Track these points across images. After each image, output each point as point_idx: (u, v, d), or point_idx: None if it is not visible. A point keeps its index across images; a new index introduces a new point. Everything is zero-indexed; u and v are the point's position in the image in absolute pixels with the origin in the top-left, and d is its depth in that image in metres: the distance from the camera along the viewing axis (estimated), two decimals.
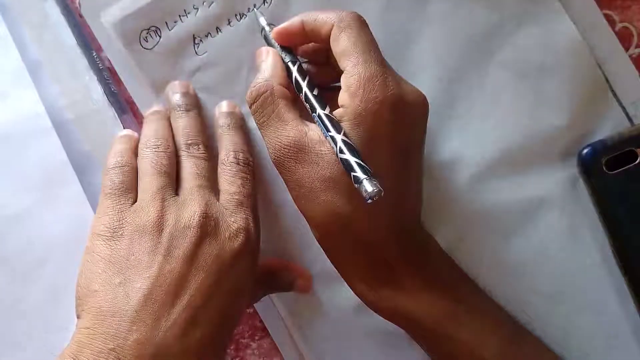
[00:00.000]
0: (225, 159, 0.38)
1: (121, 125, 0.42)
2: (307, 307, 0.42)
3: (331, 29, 0.35)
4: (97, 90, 0.42)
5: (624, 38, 0.40)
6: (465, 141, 0.40)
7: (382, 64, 0.34)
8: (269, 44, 0.38)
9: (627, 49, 0.40)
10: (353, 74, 0.33)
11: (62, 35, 0.42)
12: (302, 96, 0.35)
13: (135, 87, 0.42)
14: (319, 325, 0.42)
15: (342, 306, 0.41)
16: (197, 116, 0.40)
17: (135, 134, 0.40)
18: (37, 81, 0.42)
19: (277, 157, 0.35)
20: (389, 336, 0.41)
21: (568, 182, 0.40)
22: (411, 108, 0.34)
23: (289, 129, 0.34)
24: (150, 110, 0.41)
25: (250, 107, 0.36)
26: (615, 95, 0.40)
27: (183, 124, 0.39)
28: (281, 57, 0.37)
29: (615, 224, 0.39)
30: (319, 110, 0.34)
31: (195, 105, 0.40)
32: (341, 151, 0.32)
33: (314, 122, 0.35)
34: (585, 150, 0.39)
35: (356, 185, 0.31)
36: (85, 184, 0.42)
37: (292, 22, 0.37)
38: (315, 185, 0.34)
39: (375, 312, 0.37)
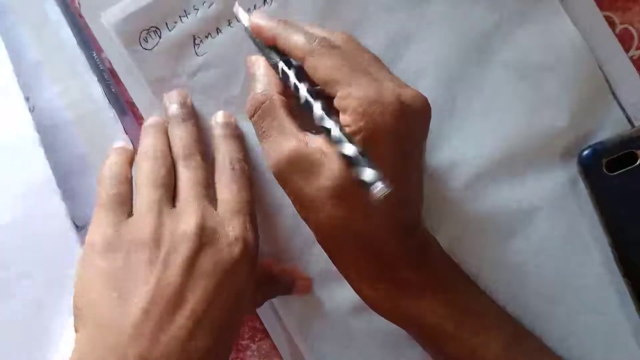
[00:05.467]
0: (222, 167, 0.38)
1: (121, 126, 0.42)
2: (306, 308, 0.42)
3: (303, 58, 0.34)
4: (97, 91, 0.42)
5: (625, 40, 0.40)
6: (465, 141, 0.40)
7: (371, 77, 0.33)
8: (255, 42, 0.38)
9: (627, 51, 0.40)
10: (345, 98, 0.33)
11: (62, 36, 0.42)
12: (301, 98, 0.35)
13: (135, 87, 0.42)
14: (318, 327, 0.42)
15: (342, 307, 0.41)
16: (194, 126, 0.40)
17: (131, 146, 0.40)
18: (37, 81, 0.42)
19: (279, 169, 0.35)
20: (389, 336, 0.41)
21: (568, 183, 0.40)
22: (413, 114, 0.34)
23: (290, 139, 0.34)
24: (148, 121, 0.40)
25: (250, 118, 0.36)
26: (615, 96, 0.40)
27: (180, 135, 0.39)
28: (271, 62, 0.37)
29: (615, 225, 0.39)
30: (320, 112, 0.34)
31: (192, 116, 0.40)
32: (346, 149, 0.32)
33: (312, 131, 0.34)
34: (585, 152, 0.39)
35: (363, 180, 0.31)
36: (84, 185, 0.42)
37: (265, 34, 0.36)
38: (319, 195, 0.33)
39: (378, 313, 0.37)
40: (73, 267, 0.36)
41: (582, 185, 0.40)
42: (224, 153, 0.39)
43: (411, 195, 0.36)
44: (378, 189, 0.30)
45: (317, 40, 0.34)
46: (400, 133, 0.33)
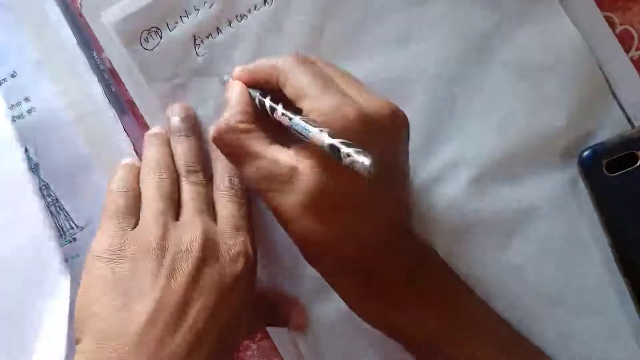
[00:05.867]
0: (221, 185, 0.39)
1: (121, 125, 0.42)
2: (307, 309, 0.42)
3: (277, 77, 0.35)
4: (97, 91, 0.42)
5: (625, 40, 0.40)
6: (465, 141, 0.40)
7: (335, 91, 0.33)
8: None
9: (627, 51, 0.40)
10: (310, 112, 0.33)
11: (62, 35, 0.42)
12: (278, 114, 0.35)
13: (135, 87, 0.42)
14: (318, 327, 0.42)
15: (342, 307, 0.41)
16: (196, 141, 0.40)
17: (138, 163, 0.40)
18: (37, 81, 0.42)
19: (256, 190, 0.36)
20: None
21: (568, 184, 0.40)
22: (377, 124, 0.33)
23: (259, 161, 0.35)
24: (151, 131, 0.41)
25: (217, 147, 0.37)
26: (615, 96, 0.40)
27: (182, 150, 0.40)
28: (249, 92, 0.37)
29: (615, 226, 0.39)
30: (295, 118, 0.34)
31: (195, 130, 0.41)
32: (326, 139, 0.31)
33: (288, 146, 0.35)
34: (585, 153, 0.39)
35: (347, 163, 0.30)
36: (84, 185, 0.42)
37: (245, 76, 0.37)
38: (294, 212, 0.34)
39: (371, 326, 0.37)
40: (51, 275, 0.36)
41: (582, 185, 0.40)
42: (223, 169, 0.39)
43: (393, 207, 0.36)
44: (367, 162, 0.29)
45: (287, 57, 0.35)
46: (364, 143, 0.32)
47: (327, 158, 0.32)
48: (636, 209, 0.38)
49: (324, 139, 0.31)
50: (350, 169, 0.30)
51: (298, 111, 0.34)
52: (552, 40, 0.40)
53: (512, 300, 0.40)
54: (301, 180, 0.33)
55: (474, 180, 0.40)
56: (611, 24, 0.40)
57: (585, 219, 0.40)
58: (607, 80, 0.40)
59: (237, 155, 0.36)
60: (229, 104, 0.37)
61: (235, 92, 0.37)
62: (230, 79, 0.38)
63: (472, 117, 0.40)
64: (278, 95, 0.36)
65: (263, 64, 0.36)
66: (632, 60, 0.40)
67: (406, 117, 0.35)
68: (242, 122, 0.36)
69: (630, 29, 0.40)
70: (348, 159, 0.30)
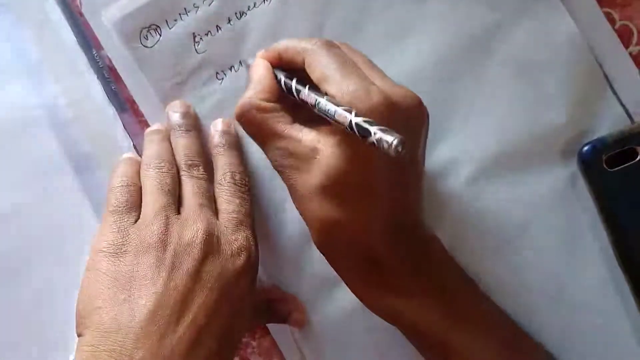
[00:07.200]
0: (223, 180, 0.39)
1: (121, 124, 0.42)
2: (308, 306, 0.42)
3: (303, 59, 0.35)
4: (97, 89, 0.42)
5: (624, 36, 0.40)
6: (466, 139, 0.40)
7: (361, 76, 0.34)
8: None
9: (627, 47, 0.40)
10: (336, 95, 0.33)
11: (62, 34, 0.42)
12: (305, 95, 0.35)
13: (135, 85, 0.42)
14: (319, 324, 0.42)
15: (343, 305, 0.41)
16: (197, 137, 0.41)
17: (139, 157, 0.40)
18: (37, 80, 0.42)
19: (275, 167, 0.36)
20: (390, 335, 0.41)
21: (568, 180, 0.40)
22: (403, 112, 0.33)
23: (282, 140, 0.35)
24: (151, 129, 0.41)
25: (240, 124, 0.37)
26: (615, 92, 0.40)
27: (183, 145, 0.40)
28: (274, 73, 0.37)
29: (615, 221, 0.39)
30: (320, 99, 0.33)
31: (195, 126, 0.41)
32: (353, 118, 0.31)
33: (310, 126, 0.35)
34: (585, 148, 0.39)
35: (375, 140, 0.30)
36: (84, 183, 0.42)
37: (271, 55, 0.37)
38: (308, 191, 0.34)
39: (373, 312, 0.37)
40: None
41: (582, 181, 0.40)
42: (225, 165, 0.39)
43: (407, 199, 0.36)
44: (396, 141, 0.29)
45: (315, 41, 0.35)
46: (390, 128, 0.33)
47: (349, 141, 0.32)
48: (636, 204, 0.38)
49: (352, 117, 0.31)
50: (378, 148, 0.30)
51: (322, 94, 0.34)
52: (551, 37, 0.40)
53: (512, 296, 0.40)
54: (321, 161, 0.33)
55: (474, 178, 0.40)
56: (610, 19, 0.40)
57: (585, 216, 0.40)
58: (606, 76, 0.40)
59: (260, 133, 0.36)
60: (252, 82, 0.37)
61: (260, 70, 0.37)
62: (255, 59, 0.38)
63: (472, 115, 0.40)
64: (300, 77, 0.36)
65: (290, 44, 0.36)
66: (631, 55, 0.40)
67: (427, 110, 0.35)
68: (266, 100, 0.36)
69: (630, 24, 0.40)
70: (375, 137, 0.30)
